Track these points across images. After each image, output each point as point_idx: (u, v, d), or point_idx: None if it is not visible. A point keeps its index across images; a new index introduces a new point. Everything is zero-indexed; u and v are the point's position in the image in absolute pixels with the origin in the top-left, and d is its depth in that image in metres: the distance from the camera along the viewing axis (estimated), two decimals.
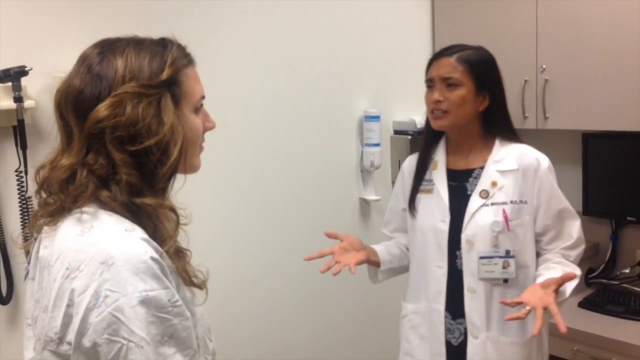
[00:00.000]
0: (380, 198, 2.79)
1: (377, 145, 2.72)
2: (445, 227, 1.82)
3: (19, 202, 1.84)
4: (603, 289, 2.67)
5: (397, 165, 2.88)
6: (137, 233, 0.97)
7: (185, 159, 1.06)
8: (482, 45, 1.87)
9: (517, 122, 2.68)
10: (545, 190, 1.80)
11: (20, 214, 1.85)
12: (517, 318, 1.54)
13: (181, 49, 1.09)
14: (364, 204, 2.81)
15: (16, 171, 1.84)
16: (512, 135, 1.87)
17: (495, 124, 1.85)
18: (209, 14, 2.27)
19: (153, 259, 0.94)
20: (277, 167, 2.51)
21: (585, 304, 2.55)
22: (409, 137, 2.83)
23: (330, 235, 1.92)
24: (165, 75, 1.02)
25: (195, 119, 1.10)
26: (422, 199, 1.90)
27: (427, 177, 1.91)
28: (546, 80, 2.58)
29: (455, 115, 1.78)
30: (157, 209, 1.01)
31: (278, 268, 2.54)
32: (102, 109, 0.97)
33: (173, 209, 1.04)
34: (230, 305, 2.37)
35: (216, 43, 2.29)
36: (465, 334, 1.80)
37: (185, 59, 1.08)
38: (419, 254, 1.90)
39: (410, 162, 2.00)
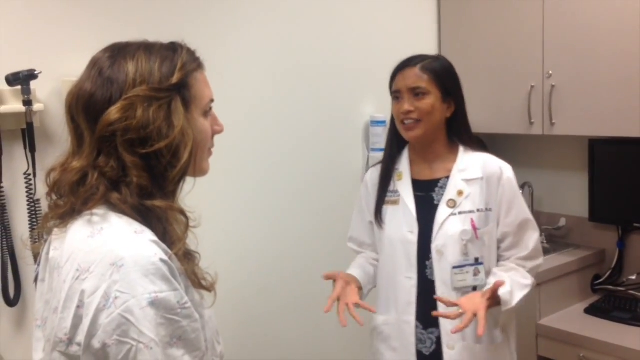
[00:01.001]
0: None
1: (383, 150, 2.71)
2: (413, 238, 1.82)
3: (28, 205, 1.86)
4: (609, 295, 2.66)
5: None
6: (146, 235, 0.98)
7: (194, 162, 1.07)
8: (440, 54, 1.91)
9: (523, 128, 2.71)
10: (507, 197, 1.82)
11: (29, 217, 1.86)
12: (445, 316, 1.64)
13: (191, 53, 1.10)
14: None
15: (25, 174, 1.85)
16: (472, 142, 1.90)
17: (459, 131, 1.88)
18: (216, 19, 2.28)
19: (162, 260, 0.95)
20: (283, 172, 2.52)
21: (592, 310, 2.55)
22: None
23: (328, 278, 1.89)
24: (175, 79, 1.03)
25: (205, 123, 1.11)
26: (388, 211, 1.90)
27: (391, 188, 1.91)
28: (553, 86, 2.58)
29: (427, 123, 1.80)
30: (167, 211, 1.01)
31: (285, 272, 2.54)
32: (114, 112, 0.98)
33: (183, 212, 1.05)
34: (238, 308, 2.38)
35: (222, 48, 2.30)
36: (437, 343, 1.81)
37: (194, 63, 1.09)
38: (388, 265, 1.89)
39: (373, 174, 1.99)
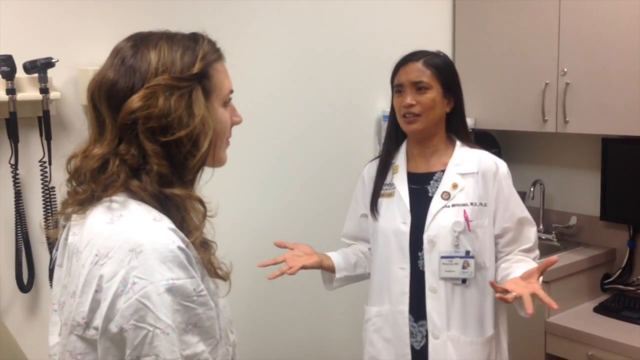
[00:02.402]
0: None
1: None
2: (406, 228, 1.84)
3: (42, 192, 1.87)
4: (619, 294, 2.66)
5: None
6: (165, 223, 0.99)
7: (213, 152, 1.08)
8: (440, 50, 1.93)
9: (536, 125, 2.70)
10: (503, 193, 1.83)
11: (43, 204, 1.87)
12: (504, 300, 1.59)
13: (212, 44, 1.11)
14: None
15: (40, 161, 1.87)
16: (469, 138, 1.93)
17: (457, 126, 1.90)
18: (231, 13, 2.29)
19: (180, 248, 0.96)
20: (296, 165, 2.53)
21: (601, 309, 2.54)
22: None
23: (279, 245, 1.94)
24: (196, 68, 1.04)
25: (224, 113, 1.12)
26: (383, 203, 1.91)
27: (387, 181, 1.93)
28: (567, 84, 2.57)
29: (427, 117, 1.81)
30: (185, 199, 1.02)
31: None
32: (136, 100, 0.99)
33: (200, 201, 1.05)
34: (251, 298, 2.39)
35: (237, 42, 2.30)
36: (427, 337, 1.82)
37: (215, 53, 1.10)
38: (381, 257, 1.90)
39: (370, 169, 2.01)
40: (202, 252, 1.04)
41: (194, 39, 1.09)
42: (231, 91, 1.13)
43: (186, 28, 1.14)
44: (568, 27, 2.57)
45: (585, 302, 2.65)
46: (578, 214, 2.92)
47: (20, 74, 1.79)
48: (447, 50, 3.01)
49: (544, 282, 2.44)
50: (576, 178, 2.95)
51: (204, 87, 1.06)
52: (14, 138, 1.81)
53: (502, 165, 1.86)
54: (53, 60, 1.82)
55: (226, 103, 1.12)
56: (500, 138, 3.08)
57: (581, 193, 2.93)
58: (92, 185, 1.02)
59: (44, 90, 1.82)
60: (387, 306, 1.88)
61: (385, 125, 2.70)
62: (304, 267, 1.86)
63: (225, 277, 1.09)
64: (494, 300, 1.82)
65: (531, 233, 1.87)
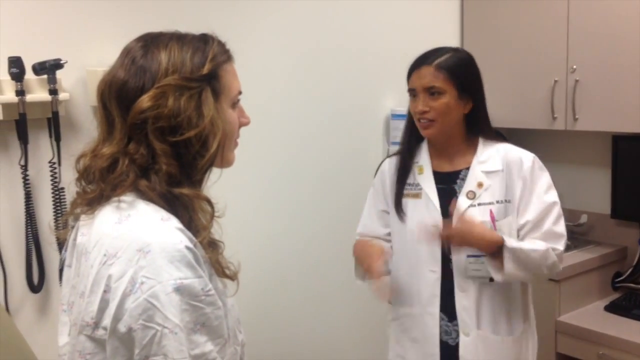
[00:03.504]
0: None
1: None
2: (437, 232, 1.80)
3: (52, 193, 1.88)
4: (630, 293, 2.64)
5: None
6: (172, 222, 0.99)
7: (221, 153, 1.08)
8: (460, 47, 1.87)
9: (545, 123, 2.69)
10: (526, 187, 1.79)
11: (53, 205, 1.88)
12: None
13: (221, 45, 1.11)
14: None
15: (50, 162, 1.88)
16: (492, 134, 1.88)
17: (478, 125, 1.86)
18: (237, 12, 2.29)
19: (188, 248, 0.96)
20: (303, 164, 2.53)
21: (612, 308, 2.53)
22: None
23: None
24: (206, 69, 1.05)
25: (233, 114, 1.12)
26: (409, 204, 1.88)
27: (411, 181, 1.90)
28: (577, 81, 2.55)
29: (442, 122, 1.78)
30: (194, 199, 1.03)
31: (305, 263, 2.56)
32: (146, 100, 1.00)
33: (208, 201, 1.06)
34: (259, 298, 2.39)
35: (244, 41, 2.31)
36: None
37: (225, 54, 1.11)
38: (410, 258, 1.88)
39: (390, 165, 1.97)
40: (209, 251, 1.04)
41: (204, 40, 1.09)
42: (240, 92, 1.14)
43: (195, 29, 1.14)
44: (577, 23, 2.55)
45: (596, 300, 2.63)
46: (588, 212, 2.90)
47: (29, 75, 1.80)
48: None
49: (553, 280, 2.45)
50: (586, 176, 2.93)
51: (213, 88, 1.06)
52: (23, 139, 1.83)
53: (527, 159, 1.81)
54: (62, 62, 1.83)
55: (235, 104, 1.13)
56: (509, 136, 3.04)
57: (591, 191, 2.91)
58: (101, 185, 1.03)
59: (53, 92, 1.83)
60: (416, 308, 1.87)
61: (393, 124, 2.72)
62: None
63: (233, 277, 1.09)
64: (523, 297, 1.83)
65: (547, 222, 1.78)
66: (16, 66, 1.77)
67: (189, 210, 1.02)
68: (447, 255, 1.80)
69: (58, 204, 1.88)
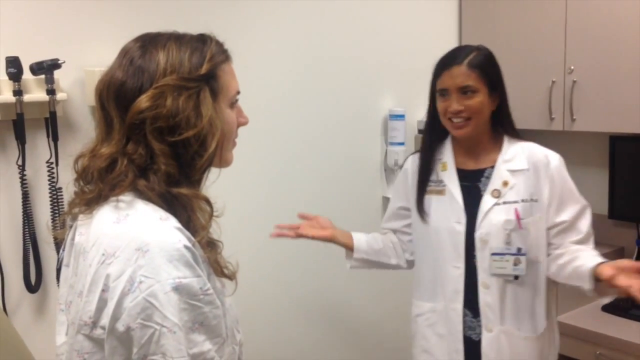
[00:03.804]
0: None
1: (402, 144, 2.72)
2: (461, 228, 1.83)
3: (50, 193, 1.88)
4: None
5: None
6: (171, 222, 0.99)
7: (220, 153, 1.08)
8: (481, 44, 1.87)
9: (543, 123, 2.69)
10: (555, 187, 1.81)
11: (51, 205, 1.88)
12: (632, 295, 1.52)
13: (219, 45, 1.12)
14: (387, 202, 2.80)
15: (47, 162, 1.88)
16: (516, 132, 1.90)
17: (503, 122, 1.87)
18: (236, 12, 2.29)
19: (186, 247, 0.96)
20: (302, 165, 2.53)
21: (609, 308, 2.53)
22: None
23: (301, 216, 1.99)
24: (204, 69, 1.05)
25: (231, 114, 1.12)
26: (432, 200, 1.90)
27: (434, 178, 1.91)
28: (574, 82, 2.56)
29: (476, 121, 1.79)
30: (192, 199, 1.03)
31: (303, 263, 2.55)
32: (144, 100, 1.00)
33: (207, 200, 1.06)
34: (257, 298, 2.39)
35: (242, 41, 2.31)
36: None
37: (223, 54, 1.11)
38: (433, 255, 1.90)
39: (414, 162, 1.98)
40: (208, 251, 1.04)
41: (202, 40, 1.09)
42: (238, 92, 1.14)
43: (193, 29, 1.14)
44: (575, 24, 2.55)
45: (593, 301, 2.63)
46: None
47: (26, 75, 1.80)
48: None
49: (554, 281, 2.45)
50: (584, 176, 2.92)
51: (211, 88, 1.06)
52: (21, 139, 1.82)
53: (553, 158, 1.83)
54: (59, 62, 1.83)
55: (233, 104, 1.13)
56: None
57: (589, 191, 2.87)
58: (99, 185, 1.03)
59: (51, 92, 1.83)
60: (441, 303, 1.89)
61: (391, 124, 2.72)
62: (312, 238, 1.91)
63: (231, 277, 1.10)
64: (547, 295, 1.84)
65: (583, 225, 1.83)
66: (14, 66, 1.76)
67: (187, 209, 1.02)
68: (471, 251, 1.82)
69: (55, 204, 1.88)
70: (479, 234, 1.80)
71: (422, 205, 1.91)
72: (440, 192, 1.88)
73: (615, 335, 2.30)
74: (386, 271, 2.81)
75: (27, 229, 1.86)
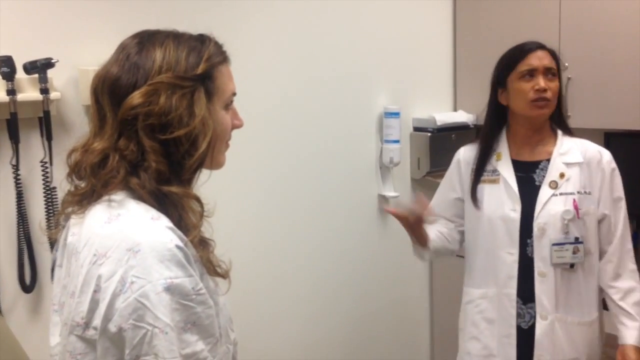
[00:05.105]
0: (399, 195, 2.79)
1: (397, 142, 2.72)
2: (516, 215, 1.88)
3: (44, 192, 1.88)
4: None
5: (416, 162, 2.88)
6: (162, 221, 0.99)
7: (212, 154, 1.08)
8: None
9: None
10: (606, 181, 1.89)
11: (45, 204, 1.88)
12: None
13: (218, 46, 1.11)
14: (383, 200, 2.81)
15: (41, 162, 1.87)
16: (568, 129, 1.97)
17: (559, 117, 1.95)
18: (230, 12, 2.29)
19: (178, 247, 0.96)
20: (297, 163, 2.53)
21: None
22: (429, 134, 2.83)
23: (390, 212, 1.97)
24: (200, 69, 1.05)
25: (225, 116, 1.12)
26: (486, 189, 1.95)
27: (488, 167, 1.97)
28: (569, 79, 2.56)
29: (553, 104, 1.87)
30: (183, 198, 1.02)
31: (297, 261, 2.56)
32: (137, 96, 1.00)
33: (198, 199, 1.05)
34: (251, 297, 2.39)
35: (237, 41, 2.29)
36: (535, 318, 1.88)
37: (221, 55, 1.10)
38: (486, 242, 1.95)
39: (467, 154, 2.04)
40: (200, 250, 1.04)
41: (201, 40, 1.09)
42: (234, 94, 1.13)
43: (188, 29, 1.14)
44: (569, 21, 2.55)
45: None
46: None
47: (20, 74, 1.80)
48: (448, 48, 3.01)
49: None
50: None
51: (206, 89, 1.06)
52: (14, 139, 1.82)
53: (605, 154, 1.91)
54: (53, 61, 1.83)
55: (228, 106, 1.12)
56: None
57: None
58: (92, 180, 1.03)
59: (44, 91, 1.82)
60: (493, 289, 1.93)
61: (386, 122, 2.72)
62: (416, 221, 1.90)
63: (224, 275, 1.09)
64: (597, 284, 1.91)
65: (620, 222, 1.90)
66: (7, 65, 1.76)
67: (178, 208, 1.02)
68: (524, 239, 1.87)
69: (50, 204, 1.88)
70: (537, 223, 1.86)
71: (476, 192, 1.96)
72: (494, 181, 1.94)
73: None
74: (385, 266, 2.83)
75: (21, 229, 1.86)
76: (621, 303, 1.88)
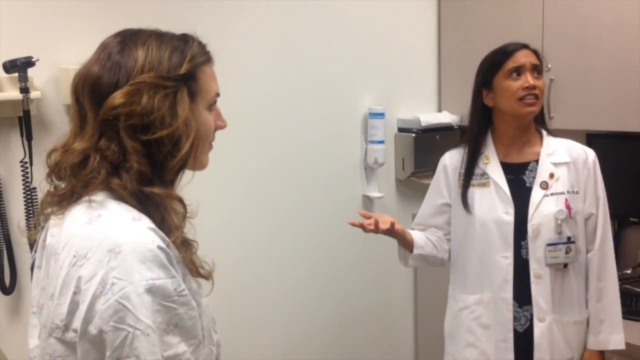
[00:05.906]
0: (383, 195, 2.79)
1: (382, 142, 2.72)
2: (510, 218, 1.88)
3: (24, 193, 1.85)
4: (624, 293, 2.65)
5: (400, 162, 2.88)
6: (144, 222, 0.98)
7: (194, 155, 1.06)
8: None
9: None
10: (591, 180, 1.92)
11: (25, 205, 1.85)
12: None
13: (201, 46, 1.10)
14: (367, 201, 2.81)
15: (21, 162, 1.85)
16: (548, 129, 1.99)
17: (542, 117, 1.98)
18: (216, 13, 2.27)
19: (160, 247, 0.95)
20: (281, 164, 2.52)
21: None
22: (413, 134, 2.83)
23: (363, 214, 1.96)
24: (183, 69, 1.03)
25: (209, 116, 1.10)
26: (476, 193, 1.94)
27: (477, 171, 1.96)
28: (551, 80, 2.58)
29: (541, 102, 1.88)
30: (165, 199, 1.01)
31: (281, 262, 2.55)
32: (119, 96, 0.98)
33: (181, 200, 1.04)
34: (235, 298, 2.38)
35: (222, 41, 2.28)
36: (531, 320, 1.88)
37: (204, 56, 1.09)
38: (479, 246, 1.94)
39: (452, 158, 2.03)
40: (183, 251, 1.02)
41: (184, 40, 1.07)
42: (217, 94, 1.12)
43: (170, 28, 1.12)
44: (552, 23, 2.57)
45: None
46: None
47: None
48: (432, 49, 3.02)
49: None
50: None
51: (189, 89, 1.05)
52: None
53: (590, 153, 1.94)
54: (33, 60, 1.80)
55: (211, 106, 1.11)
56: None
57: None
58: (72, 181, 1.01)
59: (24, 90, 1.80)
60: (488, 294, 1.92)
61: (371, 122, 2.72)
62: (385, 232, 1.91)
63: (207, 276, 1.08)
64: (585, 282, 1.93)
65: (601, 224, 1.92)
66: None
67: (160, 209, 1.01)
68: (518, 241, 1.87)
69: (30, 204, 1.85)
70: (531, 224, 1.86)
71: (467, 197, 1.95)
72: (485, 185, 1.94)
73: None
74: (370, 269, 2.83)
75: (0, 230, 1.83)
76: (598, 305, 1.91)
